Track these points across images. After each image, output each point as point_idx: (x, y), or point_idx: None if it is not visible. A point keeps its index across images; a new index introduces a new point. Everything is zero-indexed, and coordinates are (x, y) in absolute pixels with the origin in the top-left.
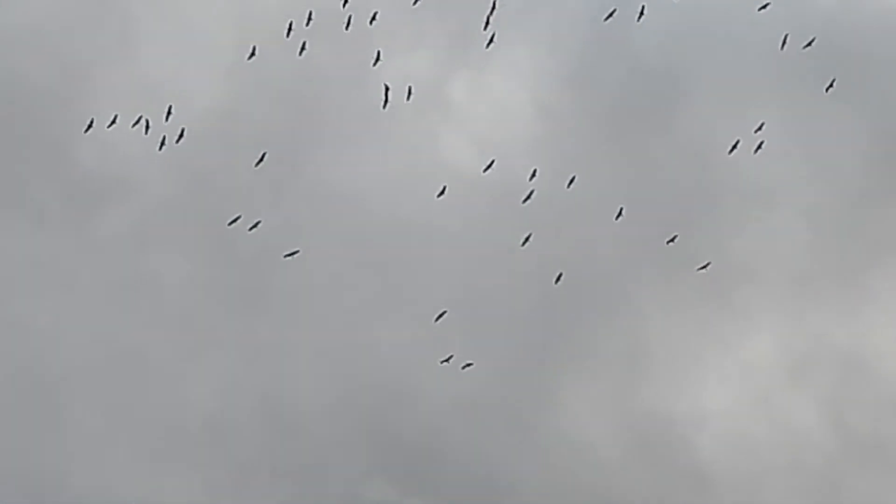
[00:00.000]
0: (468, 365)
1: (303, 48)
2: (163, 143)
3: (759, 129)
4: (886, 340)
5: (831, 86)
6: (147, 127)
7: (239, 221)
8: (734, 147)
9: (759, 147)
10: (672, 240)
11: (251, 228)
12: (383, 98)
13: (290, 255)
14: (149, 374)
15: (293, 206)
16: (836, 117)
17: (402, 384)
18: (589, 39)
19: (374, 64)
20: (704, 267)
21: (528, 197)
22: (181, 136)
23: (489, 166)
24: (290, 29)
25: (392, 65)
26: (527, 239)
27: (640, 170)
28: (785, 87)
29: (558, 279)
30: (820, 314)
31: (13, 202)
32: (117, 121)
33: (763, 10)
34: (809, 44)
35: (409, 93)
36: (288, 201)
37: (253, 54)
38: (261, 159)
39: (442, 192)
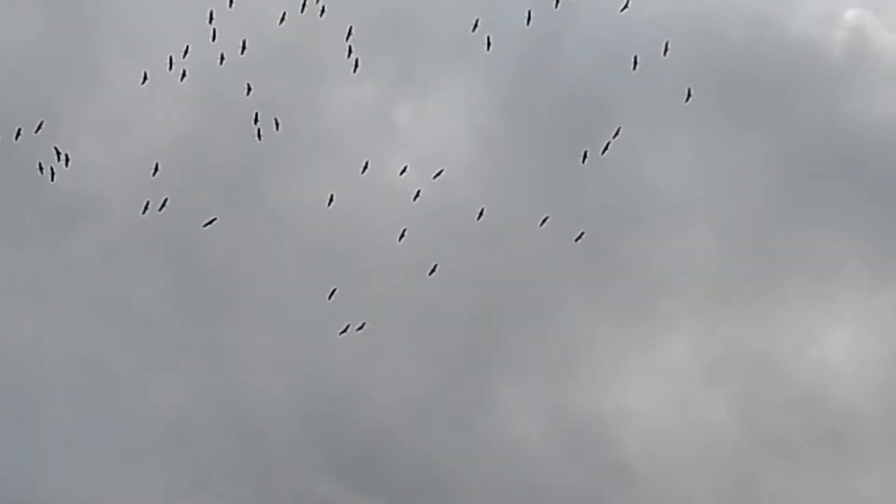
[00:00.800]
0: (361, 327)
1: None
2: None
3: (616, 134)
4: (792, 344)
5: (689, 96)
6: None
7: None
8: (605, 148)
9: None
10: (579, 237)
11: (205, 225)
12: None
13: (208, 223)
14: (117, 382)
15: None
16: (746, 144)
17: (350, 388)
18: (520, 71)
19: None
20: (579, 237)
21: (480, 215)
22: (156, 169)
23: (417, 194)
24: (222, 59)
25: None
26: (433, 269)
27: (567, 190)
28: (699, 115)
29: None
30: (731, 321)
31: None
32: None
33: (674, 48)
34: (666, 50)
35: (277, 124)
36: (246, 219)
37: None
38: (210, 222)
39: (402, 235)
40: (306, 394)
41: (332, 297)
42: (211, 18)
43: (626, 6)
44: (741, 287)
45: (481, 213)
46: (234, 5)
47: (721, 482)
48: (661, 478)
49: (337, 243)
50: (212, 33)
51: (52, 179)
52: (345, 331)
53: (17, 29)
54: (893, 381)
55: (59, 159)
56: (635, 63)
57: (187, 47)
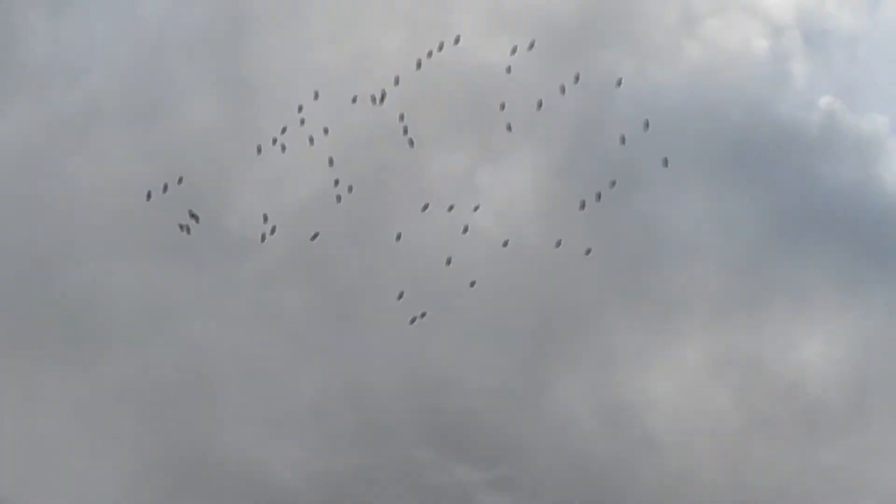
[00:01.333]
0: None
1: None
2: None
3: (613, 185)
4: (780, 349)
5: (666, 164)
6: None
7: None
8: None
9: None
10: (587, 252)
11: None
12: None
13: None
14: (272, 373)
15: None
16: (743, 198)
17: (444, 378)
18: (567, 144)
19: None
20: (587, 252)
21: (558, 244)
22: (273, 231)
23: (505, 243)
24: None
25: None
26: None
27: (607, 231)
28: (708, 176)
29: None
30: (731, 331)
31: (180, 254)
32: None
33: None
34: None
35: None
36: (367, 253)
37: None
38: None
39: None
40: (410, 382)
41: (426, 316)
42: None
43: (619, 83)
44: (738, 305)
45: (558, 243)
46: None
47: (723, 454)
48: (677, 449)
49: (433, 273)
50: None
51: (188, 232)
52: (413, 321)
53: (199, 109)
54: (855, 378)
55: (191, 216)
56: (646, 125)
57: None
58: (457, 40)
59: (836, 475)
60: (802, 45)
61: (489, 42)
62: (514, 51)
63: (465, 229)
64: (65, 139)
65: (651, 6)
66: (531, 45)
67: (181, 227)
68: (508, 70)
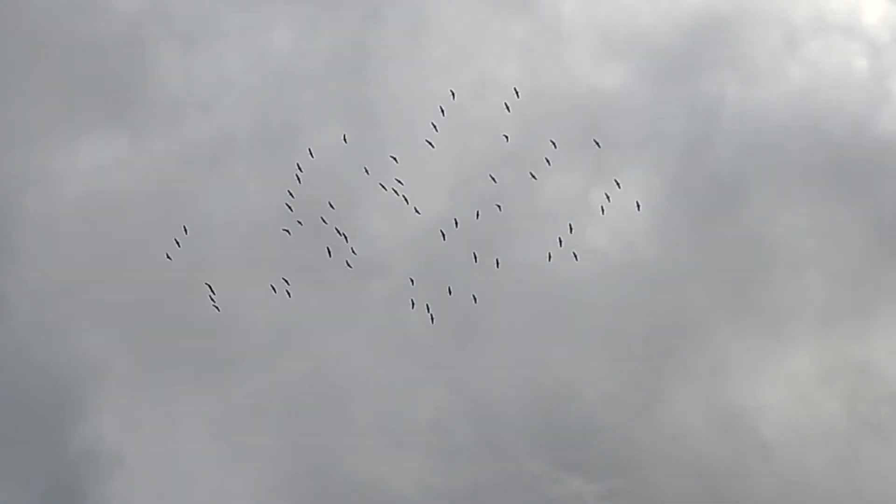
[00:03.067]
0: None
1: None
2: None
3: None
4: (888, 355)
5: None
6: None
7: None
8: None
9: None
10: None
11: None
12: None
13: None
14: (395, 390)
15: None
16: (846, 211)
17: (562, 389)
18: (679, 163)
19: None
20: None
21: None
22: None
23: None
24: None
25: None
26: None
27: (716, 248)
28: (812, 191)
29: None
30: (839, 339)
31: (310, 276)
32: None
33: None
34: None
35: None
36: (486, 276)
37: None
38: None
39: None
40: (528, 394)
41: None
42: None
43: (516, 93)
44: (845, 314)
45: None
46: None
47: (834, 459)
48: (789, 455)
49: (553, 291)
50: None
51: (330, 255)
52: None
53: (326, 136)
54: None
55: (340, 234)
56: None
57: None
58: (516, 93)
59: None
60: None
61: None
62: (507, 107)
63: (575, 256)
64: (198, 168)
65: (755, 29)
66: (517, 93)
67: (328, 250)
68: (507, 108)
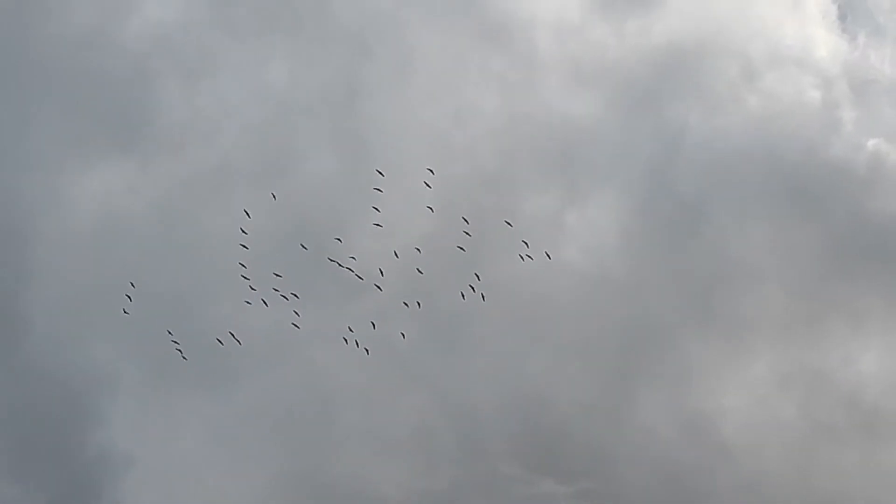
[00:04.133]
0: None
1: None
2: None
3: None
4: (841, 362)
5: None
6: None
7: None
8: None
9: None
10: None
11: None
12: None
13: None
14: (382, 398)
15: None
16: (802, 229)
17: (537, 396)
18: (646, 184)
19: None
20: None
21: None
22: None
23: None
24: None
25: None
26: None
27: (681, 263)
28: (769, 211)
29: None
30: (795, 347)
31: (304, 292)
32: None
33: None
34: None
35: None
36: (471, 299)
37: None
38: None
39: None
40: (507, 401)
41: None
42: None
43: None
44: (801, 324)
45: None
46: None
47: (791, 459)
48: (747, 454)
49: (529, 304)
50: None
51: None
52: None
53: (320, 163)
54: None
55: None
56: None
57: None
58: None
59: None
60: (850, 95)
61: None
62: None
63: (548, 255)
64: (200, 192)
65: (715, 62)
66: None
67: (338, 263)
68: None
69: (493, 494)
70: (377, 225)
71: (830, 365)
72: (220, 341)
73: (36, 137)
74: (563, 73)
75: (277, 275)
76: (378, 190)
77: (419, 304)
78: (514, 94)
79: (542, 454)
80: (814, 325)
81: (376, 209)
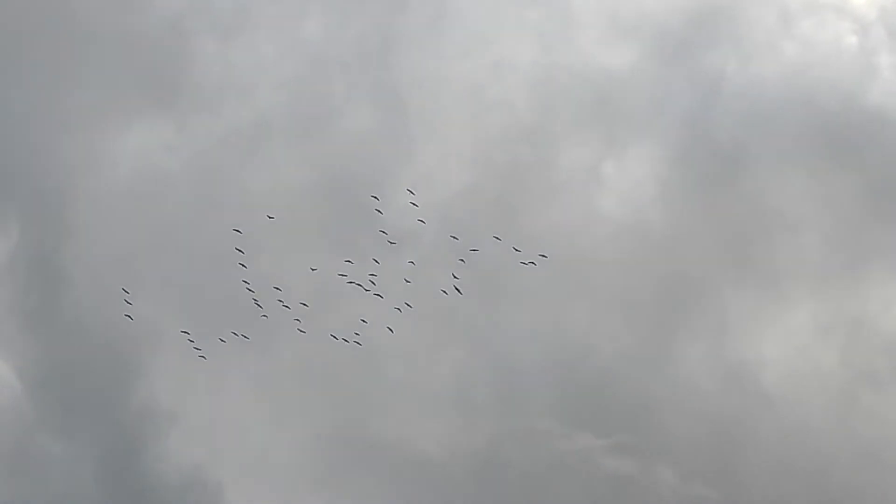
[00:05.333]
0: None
1: None
2: None
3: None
4: (880, 309)
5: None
6: None
7: None
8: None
9: None
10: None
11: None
12: None
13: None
14: (423, 351)
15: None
16: (839, 177)
17: (579, 345)
18: (683, 135)
19: None
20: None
21: None
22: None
23: None
24: None
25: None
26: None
27: (719, 213)
28: (807, 158)
29: None
30: (834, 296)
31: (343, 247)
32: None
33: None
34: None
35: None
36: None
37: None
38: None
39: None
40: (548, 353)
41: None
42: None
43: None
44: (840, 272)
45: None
46: None
47: (831, 407)
48: (788, 403)
49: (570, 256)
50: None
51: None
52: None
53: (356, 118)
54: None
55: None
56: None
57: None
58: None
59: None
60: (887, 40)
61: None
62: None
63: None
64: (238, 149)
65: (751, 10)
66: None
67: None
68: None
69: (531, 450)
70: (413, 204)
71: (870, 312)
72: (257, 304)
73: (74, 98)
74: (600, 23)
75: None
76: (379, 212)
77: (463, 260)
78: (550, 46)
79: (580, 408)
80: (853, 272)
81: (411, 192)
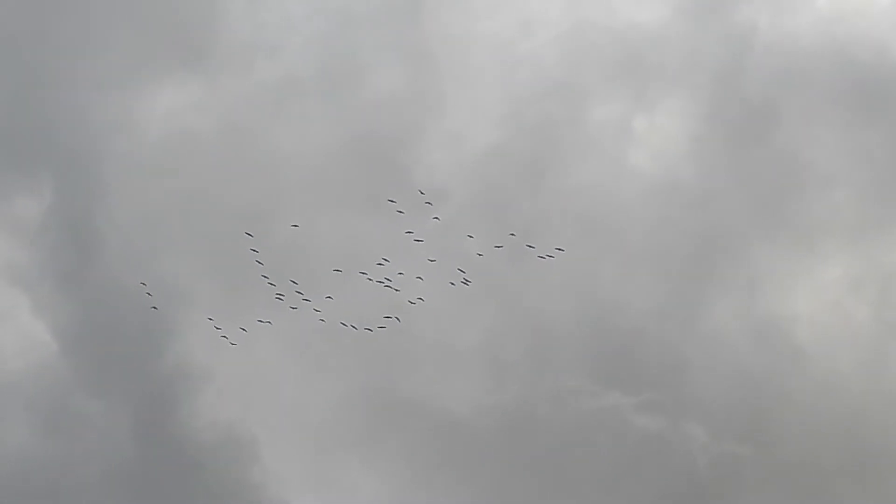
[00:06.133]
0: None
1: None
2: None
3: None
4: None
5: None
6: None
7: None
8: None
9: None
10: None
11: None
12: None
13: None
14: (453, 309)
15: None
16: (873, 131)
17: (611, 301)
18: (715, 89)
19: None
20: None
21: None
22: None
23: None
24: None
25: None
26: None
27: (751, 168)
28: (840, 113)
29: None
30: (867, 251)
31: (373, 206)
32: None
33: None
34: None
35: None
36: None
37: None
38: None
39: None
40: (579, 309)
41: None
42: None
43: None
44: (872, 227)
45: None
46: None
47: (862, 361)
48: (821, 358)
49: (601, 212)
50: None
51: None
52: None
53: (385, 76)
54: None
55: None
56: None
57: None
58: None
59: None
60: None
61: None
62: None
63: None
64: (267, 108)
65: None
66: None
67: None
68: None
69: (560, 408)
70: (428, 203)
71: None
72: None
73: (104, 58)
74: None
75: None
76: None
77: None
78: (580, 1)
79: (610, 366)
80: (885, 227)
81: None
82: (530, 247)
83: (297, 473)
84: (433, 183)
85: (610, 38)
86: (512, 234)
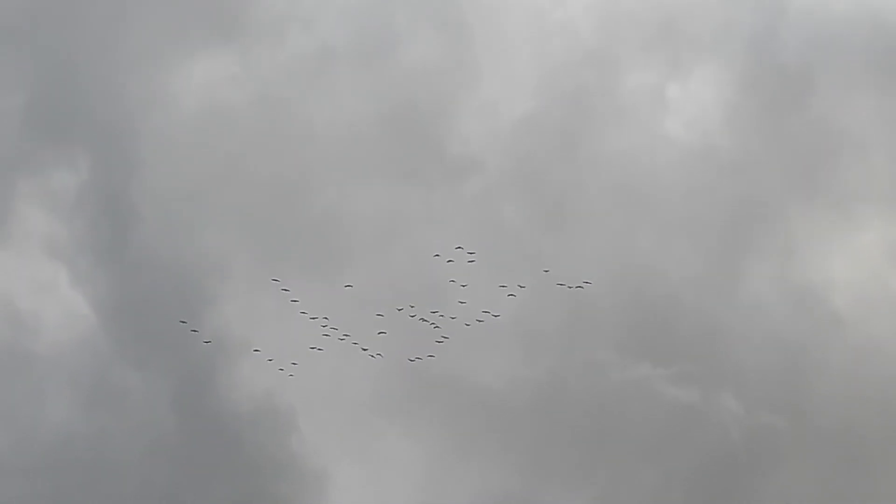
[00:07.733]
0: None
1: None
2: None
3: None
4: None
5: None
6: None
7: None
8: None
9: None
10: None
11: None
12: None
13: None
14: (489, 279)
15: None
16: None
17: (647, 269)
18: (749, 56)
19: None
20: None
21: None
22: None
23: None
24: None
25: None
26: None
27: (786, 136)
28: (874, 79)
29: None
30: None
31: (409, 176)
32: None
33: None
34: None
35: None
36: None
37: None
38: None
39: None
40: (612, 279)
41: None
42: None
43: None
44: None
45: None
46: None
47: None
48: (858, 324)
49: (636, 180)
50: None
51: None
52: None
53: (420, 47)
54: None
55: None
56: None
57: None
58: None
59: None
60: None
61: None
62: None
63: None
64: (301, 80)
65: None
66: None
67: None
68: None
69: (593, 379)
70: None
71: None
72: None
73: (137, 32)
74: None
75: None
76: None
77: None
78: None
79: (644, 336)
80: None
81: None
82: (560, 285)
83: (335, 444)
84: (468, 153)
85: (643, 6)
86: (546, 271)
